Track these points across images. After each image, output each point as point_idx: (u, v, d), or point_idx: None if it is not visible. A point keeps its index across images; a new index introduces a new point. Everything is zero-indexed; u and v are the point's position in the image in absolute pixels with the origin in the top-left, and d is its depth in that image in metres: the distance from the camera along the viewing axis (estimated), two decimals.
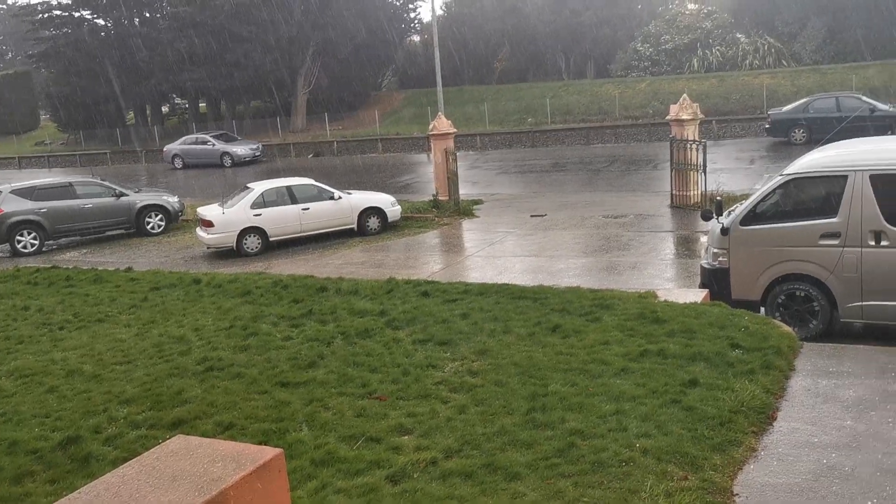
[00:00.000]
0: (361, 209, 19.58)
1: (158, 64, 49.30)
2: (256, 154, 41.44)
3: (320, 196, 19.24)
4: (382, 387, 7.55)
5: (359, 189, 22.75)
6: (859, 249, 9.33)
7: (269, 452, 3.48)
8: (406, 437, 6.41)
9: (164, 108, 63.70)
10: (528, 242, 17.21)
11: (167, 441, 3.72)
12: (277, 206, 18.65)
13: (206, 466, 3.41)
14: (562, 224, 18.84)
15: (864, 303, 9.41)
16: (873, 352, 7.99)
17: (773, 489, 5.32)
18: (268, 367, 8.36)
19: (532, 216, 20.27)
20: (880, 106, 27.75)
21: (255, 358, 8.74)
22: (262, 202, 18.51)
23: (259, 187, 19.11)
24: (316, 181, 19.98)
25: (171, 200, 22.86)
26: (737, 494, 5.28)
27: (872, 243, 9.26)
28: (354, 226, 19.47)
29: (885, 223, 9.17)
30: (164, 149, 43.67)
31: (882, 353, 7.87)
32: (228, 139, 42.94)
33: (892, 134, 24.50)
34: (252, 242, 18.21)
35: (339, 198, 19.37)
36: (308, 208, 18.88)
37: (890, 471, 5.41)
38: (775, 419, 6.43)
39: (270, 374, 8.16)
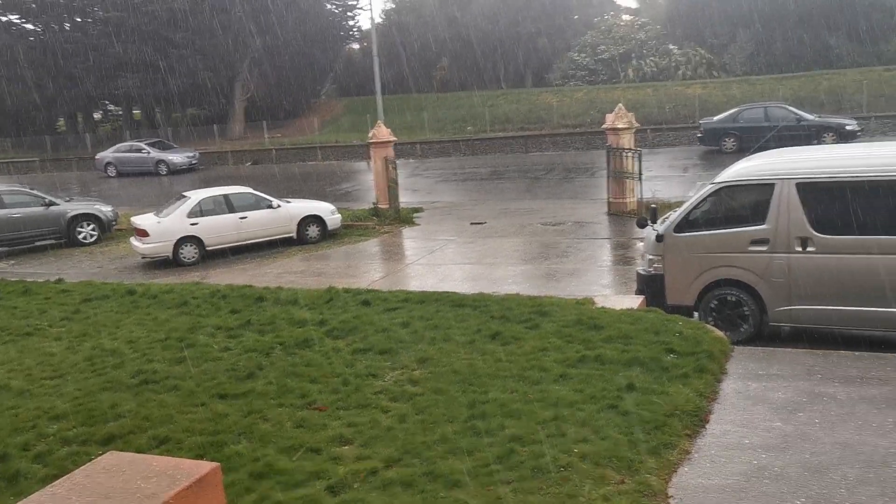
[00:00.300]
0: (301, 218, 19.41)
1: (90, 70, 48.07)
2: (193, 162, 40.70)
3: (258, 205, 19.01)
4: (322, 397, 7.50)
5: (298, 197, 22.54)
6: (787, 255, 9.65)
7: (205, 467, 3.43)
8: (346, 448, 6.38)
9: (97, 115, 62.12)
10: (469, 250, 17.30)
11: (99, 458, 3.64)
12: (215, 214, 18.35)
13: (139, 483, 3.34)
14: (502, 231, 18.99)
15: (791, 307, 9.72)
16: (800, 354, 8.26)
17: (706, 490, 5.45)
18: (205, 379, 8.21)
19: (472, 224, 20.39)
20: (806, 116, 28.78)
21: (191, 370, 8.58)
22: (199, 211, 18.19)
23: (196, 196, 18.78)
24: (254, 189, 19.74)
25: (104, 209, 22.28)
26: (671, 497, 5.39)
27: (799, 249, 9.58)
28: (294, 234, 19.28)
29: (811, 230, 9.50)
30: (97, 156, 42.54)
31: (809, 356, 8.14)
32: (164, 147, 42.06)
33: (818, 143, 25.42)
34: (189, 252, 17.87)
35: (278, 206, 19.17)
36: (246, 217, 18.63)
37: (817, 470, 5.60)
38: (708, 422, 6.59)
39: (208, 386, 8.02)
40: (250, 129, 50.14)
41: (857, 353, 8.21)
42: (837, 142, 26.07)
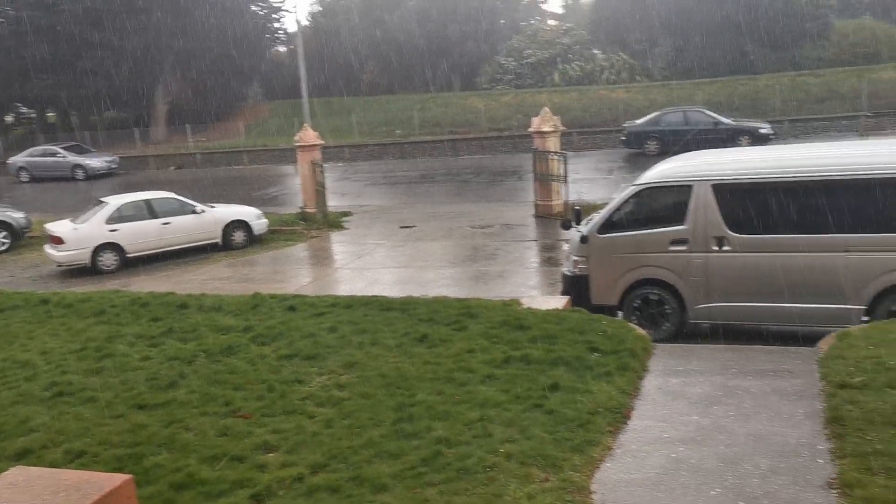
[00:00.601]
0: (226, 223, 19.07)
1: (0, 71, 46.12)
2: (112, 167, 39.49)
3: (182, 210, 18.59)
4: (247, 404, 7.37)
5: (224, 202, 22.13)
6: (705, 254, 9.95)
7: (117, 479, 3.34)
8: (271, 455, 6.28)
9: (8, 118, 59.64)
10: (398, 254, 17.29)
11: (4, 473, 3.49)
12: (136, 220, 17.88)
13: (47, 498, 3.23)
14: (431, 235, 19.04)
15: (710, 304, 10.03)
16: (717, 350, 8.53)
17: (627, 485, 5.57)
18: (123, 390, 7.98)
19: (401, 227, 20.38)
20: (723, 120, 29.75)
21: (109, 380, 8.32)
22: (119, 217, 17.69)
23: (115, 201, 18.25)
24: (177, 194, 19.30)
25: (16, 216, 21.43)
26: (594, 492, 5.49)
27: (716, 248, 9.90)
28: (219, 240, 18.93)
29: (727, 230, 9.82)
30: (9, 161, 40.82)
31: (725, 351, 8.41)
32: (81, 151, 40.66)
33: (734, 145, 26.29)
34: (108, 259, 17.36)
35: (202, 211, 18.79)
36: (169, 223, 18.20)
37: (732, 461, 5.79)
38: (630, 418, 6.74)
39: (126, 396, 7.79)
40: (173, 132, 48.90)
41: (769, 348, 8.52)
42: (752, 144, 27.03)
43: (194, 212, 18.66)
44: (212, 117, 48.96)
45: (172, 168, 42.08)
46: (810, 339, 8.84)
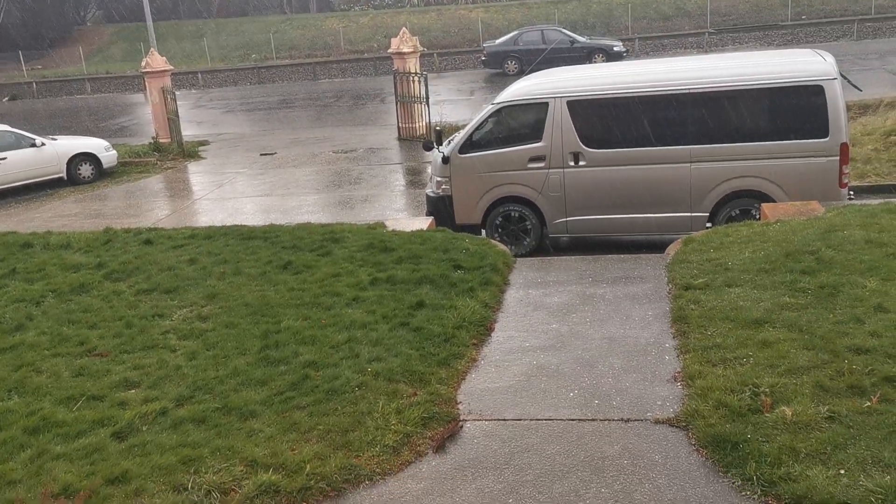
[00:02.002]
0: (70, 156, 17.91)
1: None
2: None
3: (19, 143, 17.26)
4: (103, 342, 7.07)
5: (67, 134, 20.71)
6: (562, 170, 10.25)
7: None
8: (132, 392, 6.09)
9: None
10: (260, 182, 16.83)
11: None
12: None
13: None
14: (293, 161, 18.62)
15: (567, 219, 10.40)
16: (574, 261, 8.89)
17: (492, 393, 5.80)
18: None
19: (262, 155, 19.80)
20: (579, 38, 30.36)
21: None
22: None
23: None
24: (12, 127, 17.85)
25: None
26: (460, 402, 5.68)
27: (572, 164, 10.21)
28: (64, 175, 17.77)
29: (582, 145, 10.13)
30: None
31: (581, 262, 8.78)
32: None
33: (590, 63, 26.93)
34: None
35: (42, 144, 17.53)
36: (5, 158, 16.90)
37: (588, 363, 6.12)
38: (493, 330, 6.96)
39: None
40: (4, 60, 44.90)
41: (622, 257, 8.96)
42: (606, 62, 27.78)
43: (33, 145, 17.38)
44: (47, 43, 45.22)
45: (6, 99, 38.80)
46: (660, 247, 9.36)
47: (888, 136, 14.18)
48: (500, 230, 10.67)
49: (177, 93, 22.47)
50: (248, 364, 6.36)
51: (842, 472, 4.30)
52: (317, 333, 6.82)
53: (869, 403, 4.87)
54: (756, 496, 4.29)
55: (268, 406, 5.68)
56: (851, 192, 10.16)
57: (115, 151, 18.93)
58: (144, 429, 5.47)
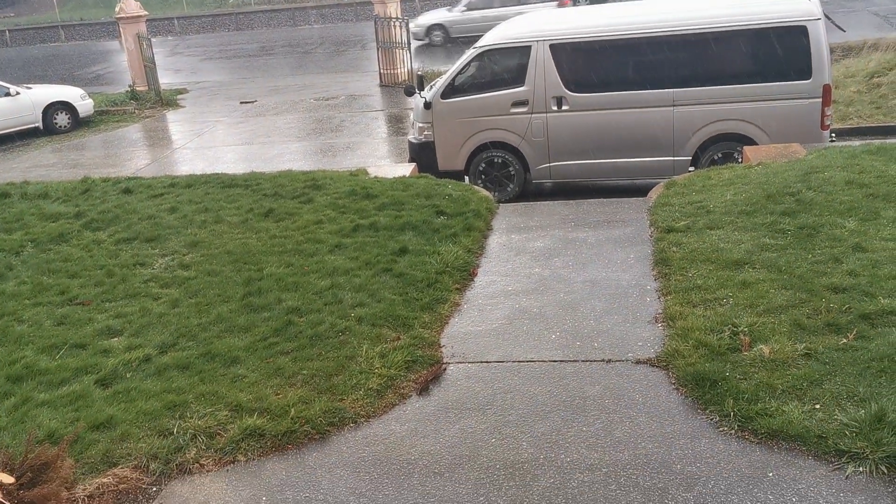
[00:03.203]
0: (46, 105, 17.59)
1: None
2: None
3: None
4: (85, 291, 7.04)
5: (42, 83, 20.31)
6: (545, 115, 10.18)
7: None
8: (115, 339, 6.08)
9: None
10: (240, 130, 16.63)
11: None
12: None
13: None
14: (273, 109, 18.39)
15: (551, 164, 10.36)
16: (557, 206, 8.87)
17: (475, 336, 5.83)
18: None
19: (242, 103, 19.54)
20: None
21: None
22: None
23: None
24: None
25: None
26: (443, 346, 5.71)
27: (555, 108, 10.13)
28: (40, 124, 17.49)
29: (565, 89, 10.04)
30: None
31: (564, 206, 8.77)
32: None
33: (574, 5, 26.54)
34: None
35: (17, 93, 17.21)
36: None
37: (569, 306, 6.15)
38: (476, 275, 6.98)
39: None
40: None
41: (604, 201, 8.96)
42: (592, 3, 27.36)
43: (8, 94, 17.06)
44: None
45: None
46: (643, 191, 9.36)
47: (871, 78, 14.16)
48: (483, 176, 10.63)
49: (153, 39, 22.02)
50: (231, 311, 6.35)
51: (817, 406, 4.38)
52: (300, 280, 6.81)
53: (845, 340, 4.95)
54: (733, 431, 4.37)
55: (252, 352, 5.69)
56: (833, 134, 10.17)
57: (91, 100, 18.61)
58: (128, 375, 5.48)
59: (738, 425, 4.39)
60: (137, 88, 20.65)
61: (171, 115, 19.04)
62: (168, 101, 20.20)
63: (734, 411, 4.46)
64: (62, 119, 17.78)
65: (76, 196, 10.10)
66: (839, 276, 5.77)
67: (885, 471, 3.92)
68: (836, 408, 4.35)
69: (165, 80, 22.21)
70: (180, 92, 21.64)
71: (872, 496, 3.79)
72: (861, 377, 4.57)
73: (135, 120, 18.77)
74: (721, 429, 4.41)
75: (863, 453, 4.00)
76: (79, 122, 18.04)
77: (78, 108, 18.02)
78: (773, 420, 4.32)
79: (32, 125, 17.38)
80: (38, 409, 5.08)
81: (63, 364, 5.68)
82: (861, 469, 3.95)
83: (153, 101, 20.09)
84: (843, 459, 4.02)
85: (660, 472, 4.13)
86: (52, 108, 17.66)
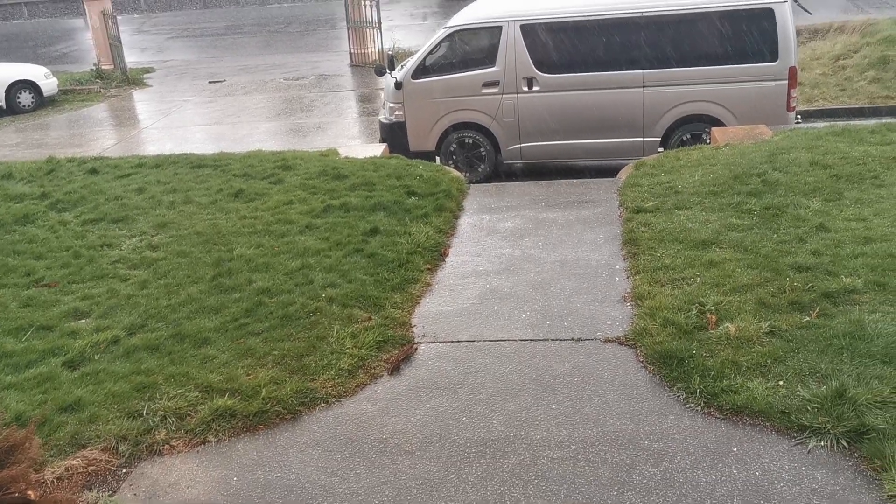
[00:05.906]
0: (8, 84, 17.20)
1: None
2: None
3: None
4: (51, 273, 6.94)
5: (4, 61, 19.86)
6: (515, 96, 10.18)
7: None
8: (83, 321, 6.02)
9: None
10: (209, 110, 16.43)
11: None
12: None
13: None
14: (243, 89, 18.18)
15: (521, 145, 10.39)
16: (528, 186, 8.92)
17: (446, 316, 5.86)
18: None
19: (210, 82, 19.29)
20: None
21: None
22: None
23: None
24: None
25: None
26: (414, 325, 5.74)
27: (525, 89, 10.14)
28: (3, 103, 17.15)
29: (536, 70, 10.05)
30: None
31: (535, 187, 8.81)
32: None
33: None
34: None
35: None
36: None
37: (539, 286, 6.20)
38: (447, 255, 7.00)
39: None
40: None
41: (574, 181, 9.02)
42: None
43: None
44: None
45: None
46: (614, 172, 9.43)
47: (836, 61, 14.34)
48: (454, 157, 10.62)
49: (118, 17, 21.61)
50: (200, 292, 6.31)
51: (780, 383, 4.48)
52: (270, 261, 6.79)
53: (808, 318, 5.05)
54: (699, 407, 4.45)
55: (222, 333, 5.67)
56: (799, 116, 10.31)
57: (55, 79, 18.24)
58: (96, 357, 5.43)
59: (704, 402, 4.47)
60: (103, 67, 20.28)
61: (138, 95, 18.75)
62: (134, 80, 19.88)
63: (700, 388, 4.54)
64: (26, 98, 17.42)
65: (41, 176, 9.93)
66: (803, 255, 5.88)
67: (846, 445, 4.02)
68: (798, 384, 4.44)
69: (132, 58, 21.82)
70: (147, 71, 21.31)
71: (833, 469, 3.89)
72: (823, 354, 4.67)
73: (100, 99, 18.46)
74: (687, 405, 4.49)
75: (824, 428, 4.10)
76: (43, 102, 17.69)
77: (42, 87, 17.66)
78: (738, 396, 4.40)
79: None
80: (4, 392, 5.02)
81: (30, 346, 5.61)
82: (822, 443, 4.05)
83: (119, 79, 19.75)
84: (806, 434, 4.12)
85: (628, 448, 4.20)
86: (15, 87, 17.29)
